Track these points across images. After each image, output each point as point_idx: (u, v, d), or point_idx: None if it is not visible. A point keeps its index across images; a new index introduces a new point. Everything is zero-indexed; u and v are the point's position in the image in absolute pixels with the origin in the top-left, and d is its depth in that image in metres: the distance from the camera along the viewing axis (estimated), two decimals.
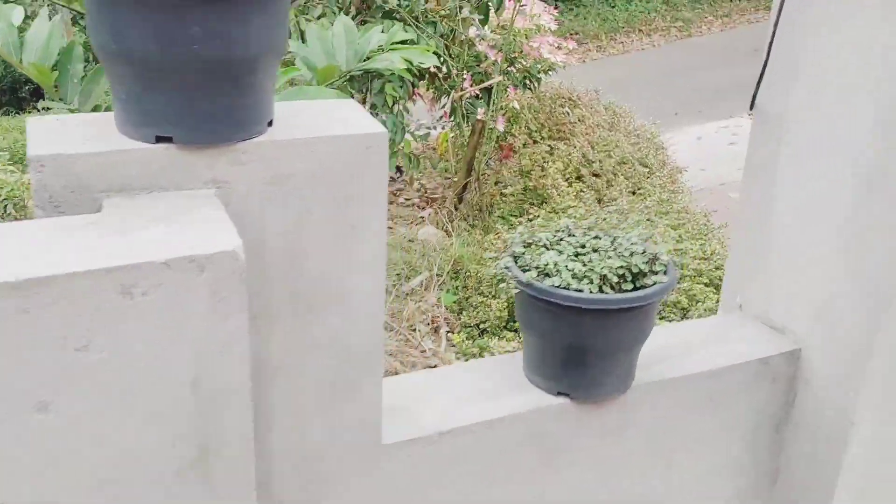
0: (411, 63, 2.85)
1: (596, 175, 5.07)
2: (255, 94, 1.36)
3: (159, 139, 1.32)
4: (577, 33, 12.58)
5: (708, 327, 2.30)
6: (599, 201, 4.72)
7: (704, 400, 2.06)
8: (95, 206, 1.31)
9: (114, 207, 1.29)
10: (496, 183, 5.22)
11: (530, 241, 1.90)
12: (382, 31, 2.77)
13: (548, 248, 1.87)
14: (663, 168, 5.44)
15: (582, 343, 1.80)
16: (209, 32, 1.24)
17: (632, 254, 1.81)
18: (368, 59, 3.10)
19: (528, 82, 5.26)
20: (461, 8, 4.76)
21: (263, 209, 1.43)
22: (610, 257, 1.80)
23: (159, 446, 1.26)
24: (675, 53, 12.88)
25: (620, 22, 13.75)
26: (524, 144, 5.27)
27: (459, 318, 4.03)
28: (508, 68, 5.12)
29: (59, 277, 1.10)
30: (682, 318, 3.66)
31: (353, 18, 4.80)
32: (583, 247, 1.85)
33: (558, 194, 4.65)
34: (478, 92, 5.01)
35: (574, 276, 1.77)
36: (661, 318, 3.77)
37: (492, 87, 4.99)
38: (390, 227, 5.39)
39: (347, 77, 3.13)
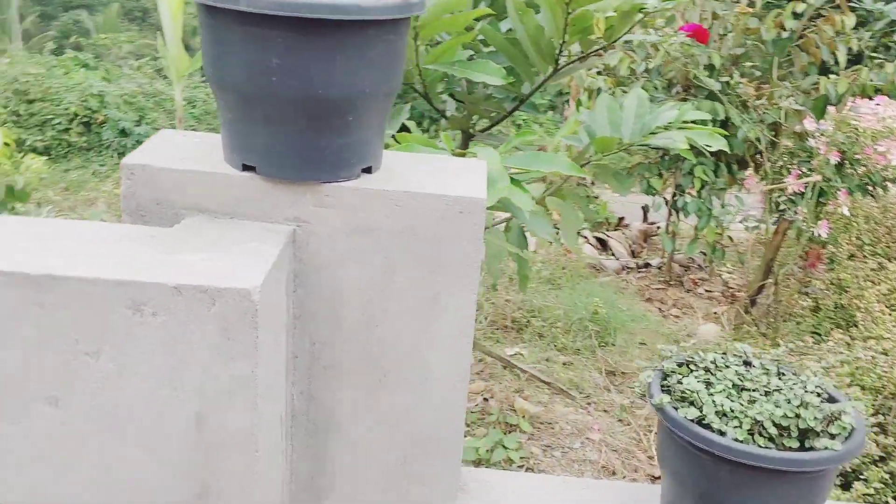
0: (695, 143, 2.61)
1: None
2: (346, 136, 1.29)
3: (245, 168, 1.31)
4: None
5: None
6: None
7: None
8: (177, 221, 1.33)
9: (186, 226, 1.30)
10: (799, 292, 4.57)
11: (688, 359, 1.58)
12: (679, 110, 2.58)
13: (706, 372, 1.53)
14: None
15: (716, 499, 1.44)
16: (287, 67, 1.19)
17: (803, 404, 1.41)
18: (653, 134, 2.90)
19: (868, 188, 4.56)
20: (790, 97, 4.28)
21: (342, 258, 1.34)
22: (777, 402, 1.42)
23: (159, 470, 1.22)
24: None
25: None
26: (850, 256, 4.56)
27: None
28: (845, 170, 4.48)
29: (72, 279, 1.12)
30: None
31: (674, 97, 4.56)
32: (748, 381, 1.49)
33: (871, 320, 3.92)
34: (801, 189, 4.45)
35: (719, 414, 1.42)
36: None
37: (816, 186, 4.39)
38: (676, 316, 5.00)
39: (626, 149, 2.95)
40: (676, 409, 1.44)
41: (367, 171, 1.35)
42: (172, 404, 1.18)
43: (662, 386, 1.51)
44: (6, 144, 5.50)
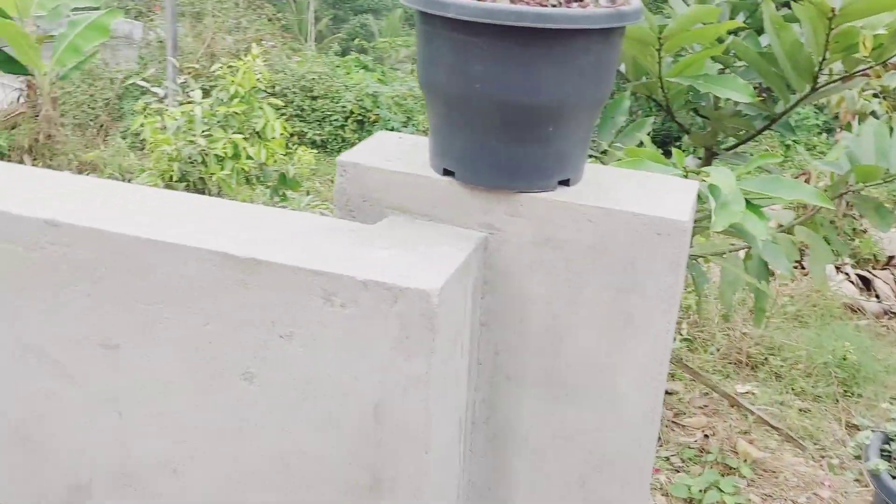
0: None
1: None
2: (545, 146, 1.27)
3: (445, 172, 1.33)
4: None
5: None
6: None
7: None
8: (381, 219, 1.39)
9: (385, 224, 1.35)
10: None
11: None
12: None
13: None
14: None
15: None
16: (490, 72, 1.20)
17: None
18: None
19: None
20: None
21: (530, 269, 1.32)
22: None
23: (336, 454, 1.28)
24: None
25: None
26: None
27: None
28: None
29: (274, 265, 1.20)
30: None
31: None
32: None
33: None
34: None
35: None
36: None
37: None
38: None
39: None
40: (895, 477, 1.26)
41: (565, 183, 1.32)
42: (353, 392, 1.23)
43: (882, 451, 1.33)
44: (282, 135, 6.07)
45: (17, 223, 1.31)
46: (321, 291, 1.19)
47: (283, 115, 13.14)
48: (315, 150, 8.09)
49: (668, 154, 2.27)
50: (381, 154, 1.42)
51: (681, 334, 4.18)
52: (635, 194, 1.32)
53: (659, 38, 2.42)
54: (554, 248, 1.30)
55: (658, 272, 1.26)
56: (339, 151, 11.67)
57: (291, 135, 13.49)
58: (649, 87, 2.71)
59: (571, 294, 1.32)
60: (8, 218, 1.31)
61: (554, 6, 1.21)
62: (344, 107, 12.75)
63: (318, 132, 12.89)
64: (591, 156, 2.74)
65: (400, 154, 1.42)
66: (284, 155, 6.53)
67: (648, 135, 2.68)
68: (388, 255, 1.23)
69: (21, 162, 8.11)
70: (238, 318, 1.25)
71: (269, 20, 17.41)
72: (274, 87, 13.73)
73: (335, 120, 12.96)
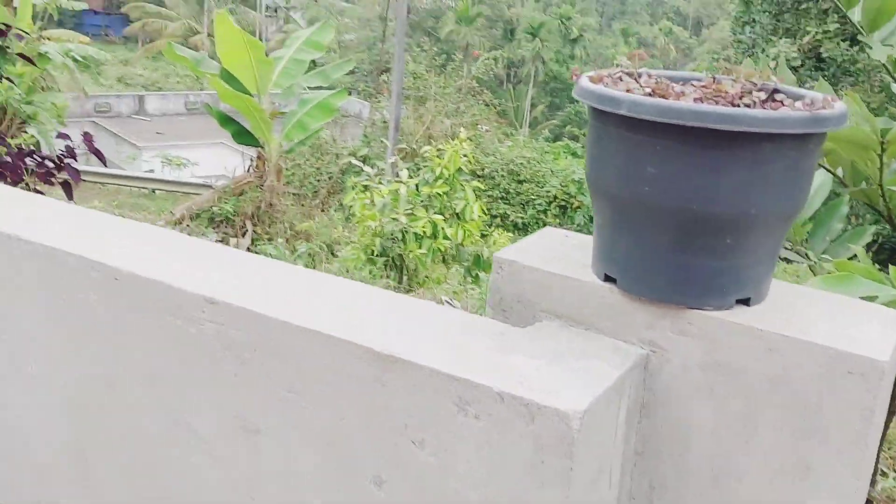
0: None
1: None
2: (721, 260, 1.12)
3: (607, 278, 1.22)
4: None
5: None
6: None
7: None
8: (535, 322, 1.29)
9: (535, 329, 1.25)
10: None
11: None
12: None
13: None
14: None
15: None
16: (663, 176, 1.08)
17: None
18: None
19: None
20: None
21: (696, 396, 1.17)
22: None
23: None
24: None
25: None
26: None
27: None
28: None
29: (410, 364, 1.13)
30: None
31: None
32: None
33: None
34: None
35: None
36: None
37: None
38: None
39: None
40: None
41: (745, 302, 1.15)
42: None
43: None
44: (480, 217, 6.15)
45: (180, 297, 1.34)
46: (456, 398, 1.11)
47: (488, 196, 13.45)
48: (515, 233, 8.13)
49: (886, 271, 2.00)
50: (540, 252, 1.33)
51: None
52: (828, 322, 1.13)
53: (881, 143, 2.16)
54: (726, 374, 1.14)
55: (846, 418, 1.06)
56: None
57: (494, 216, 13.76)
58: (869, 194, 2.43)
59: (742, 430, 1.14)
60: (173, 291, 1.35)
61: (748, 105, 1.09)
62: (548, 191, 12.82)
63: (521, 215, 13.01)
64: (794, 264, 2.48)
65: (561, 254, 1.33)
66: (481, 237, 6.62)
67: (865, 247, 2.39)
68: (532, 366, 1.13)
69: (244, 227, 8.81)
70: (372, 416, 1.19)
71: (487, 105, 18.06)
72: (483, 169, 14.14)
73: (538, 204, 13.04)
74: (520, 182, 13.24)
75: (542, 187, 12.60)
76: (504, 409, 1.07)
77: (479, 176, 13.76)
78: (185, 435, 1.40)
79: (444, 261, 6.45)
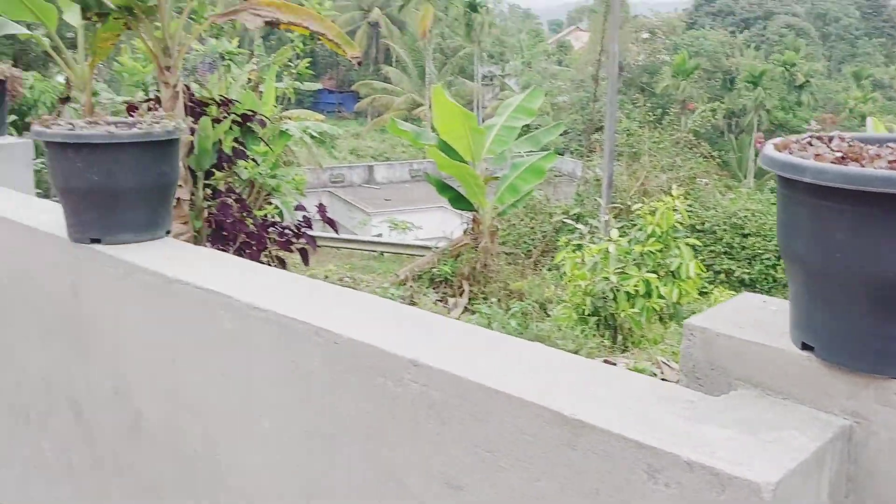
0: None
1: None
2: None
3: (804, 346, 1.19)
4: None
5: None
6: None
7: None
8: (729, 390, 1.27)
9: (729, 398, 1.23)
10: None
11: None
12: None
13: None
14: None
15: None
16: (854, 242, 1.05)
17: None
18: None
19: None
20: None
21: None
22: None
23: None
24: None
25: None
26: None
27: None
28: None
29: (599, 430, 1.17)
30: None
31: None
32: None
33: None
34: None
35: None
36: None
37: None
38: None
39: None
40: None
41: None
42: None
43: None
44: (697, 275, 5.96)
45: (389, 359, 1.47)
46: (645, 466, 1.12)
47: (710, 251, 12.94)
48: (740, 290, 7.78)
49: None
50: (735, 319, 1.31)
51: None
52: None
53: None
54: None
55: None
56: (768, 292, 11.07)
57: (717, 272, 13.19)
58: None
59: None
60: (382, 354, 1.47)
61: None
62: (777, 246, 12.10)
63: (747, 270, 12.39)
64: None
65: (757, 320, 1.31)
66: (700, 294, 6.41)
67: None
68: (724, 436, 1.12)
69: (461, 287, 9.13)
70: (565, 479, 1.22)
71: (705, 158, 17.50)
72: (703, 223, 13.67)
73: (766, 259, 12.37)
74: (744, 236, 12.64)
75: (770, 241, 11.95)
76: (694, 479, 1.07)
77: (698, 230, 13.30)
78: (397, 489, 1.50)
79: (660, 320, 6.30)
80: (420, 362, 1.41)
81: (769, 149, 1.16)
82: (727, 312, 1.36)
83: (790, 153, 1.14)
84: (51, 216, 2.44)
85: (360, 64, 4.64)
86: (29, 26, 4.61)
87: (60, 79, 11.39)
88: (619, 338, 6.18)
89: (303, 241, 5.19)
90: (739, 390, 1.25)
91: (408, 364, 1.44)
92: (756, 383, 1.24)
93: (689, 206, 13.03)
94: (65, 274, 2.27)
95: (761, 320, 1.31)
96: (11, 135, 4.32)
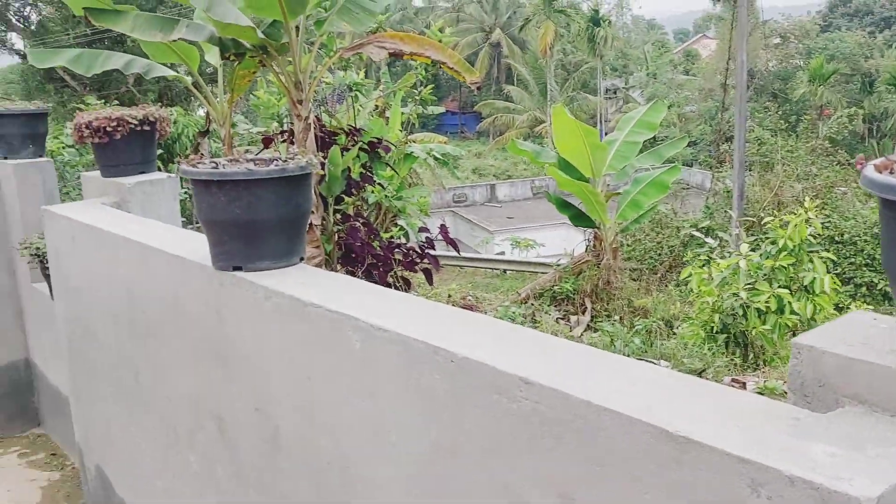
0: None
1: None
2: None
3: None
4: None
5: None
6: None
7: None
8: (837, 407, 1.29)
9: (835, 415, 1.25)
10: None
11: None
12: None
13: None
14: None
15: None
16: None
17: None
18: None
19: None
20: None
21: None
22: None
23: None
24: None
25: None
26: None
27: None
28: None
29: (703, 446, 1.21)
30: None
31: None
32: None
33: None
34: None
35: None
36: None
37: None
38: None
39: None
40: None
41: None
42: None
43: None
44: (833, 289, 5.72)
45: (502, 378, 1.56)
46: (749, 480, 1.16)
47: (850, 264, 12.28)
48: (885, 304, 7.38)
49: None
50: (844, 336, 1.33)
51: None
52: None
53: None
54: None
55: None
56: None
57: (858, 285, 12.50)
58: None
59: None
60: (496, 373, 1.57)
61: None
62: None
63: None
64: None
65: (867, 338, 1.32)
66: (837, 309, 6.13)
67: None
68: (828, 452, 1.15)
69: (583, 304, 9.08)
70: (672, 492, 1.27)
71: (842, 165, 16.64)
72: (842, 234, 12.99)
73: None
74: None
75: None
76: (795, 493, 1.11)
77: (837, 241, 12.67)
78: (513, 500, 1.59)
79: (794, 336, 6.06)
80: (531, 380, 1.50)
81: (869, 170, 1.18)
82: (836, 330, 1.37)
83: (891, 173, 1.16)
84: (194, 244, 2.68)
85: (479, 88, 4.77)
86: (173, 66, 5.02)
87: (202, 112, 12.16)
88: (751, 356, 6.00)
89: (426, 261, 5.35)
90: (846, 408, 1.27)
91: (519, 382, 1.52)
92: (863, 400, 1.25)
93: (827, 216, 12.41)
94: (210, 299, 2.49)
95: (870, 338, 1.32)
96: (159, 169, 4.71)
